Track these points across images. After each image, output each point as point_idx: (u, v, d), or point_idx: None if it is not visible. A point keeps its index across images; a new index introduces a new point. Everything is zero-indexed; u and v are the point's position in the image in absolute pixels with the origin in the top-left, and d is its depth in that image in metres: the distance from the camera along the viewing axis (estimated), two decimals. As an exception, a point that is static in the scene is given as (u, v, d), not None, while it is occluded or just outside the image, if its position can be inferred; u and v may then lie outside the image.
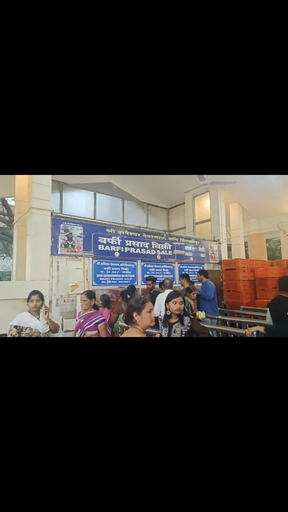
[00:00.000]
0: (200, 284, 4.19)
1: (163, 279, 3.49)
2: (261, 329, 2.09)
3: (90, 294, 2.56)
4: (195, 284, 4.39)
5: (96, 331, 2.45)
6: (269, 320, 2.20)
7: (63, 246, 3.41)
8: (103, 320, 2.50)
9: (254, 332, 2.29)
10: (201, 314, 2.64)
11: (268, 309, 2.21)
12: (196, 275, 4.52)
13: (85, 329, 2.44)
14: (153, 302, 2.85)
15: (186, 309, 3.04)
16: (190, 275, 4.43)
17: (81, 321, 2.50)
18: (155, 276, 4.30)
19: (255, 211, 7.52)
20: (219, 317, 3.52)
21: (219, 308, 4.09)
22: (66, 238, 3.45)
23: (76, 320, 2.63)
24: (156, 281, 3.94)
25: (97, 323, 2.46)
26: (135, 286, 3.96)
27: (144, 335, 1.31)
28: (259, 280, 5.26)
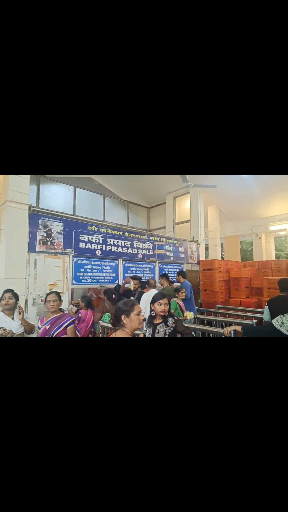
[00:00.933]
0: (178, 284, 4.30)
1: (147, 279, 3.51)
2: (238, 328, 2.21)
3: (59, 295, 2.38)
4: (174, 284, 4.49)
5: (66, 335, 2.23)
6: (267, 318, 2.36)
7: (41, 242, 3.25)
8: (73, 322, 2.36)
9: (232, 331, 2.41)
10: (189, 315, 2.70)
11: (266, 306, 2.37)
12: (175, 275, 4.62)
13: (54, 335, 2.19)
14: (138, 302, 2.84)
15: (174, 310, 3.10)
16: (170, 275, 4.52)
17: (47, 327, 2.22)
18: (139, 275, 4.31)
19: (231, 214, 7.88)
20: (197, 315, 3.65)
21: (196, 307, 4.23)
22: (45, 235, 3.29)
23: (39, 328, 2.29)
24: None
25: (67, 326, 2.26)
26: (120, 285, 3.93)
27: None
28: (233, 280, 5.54)
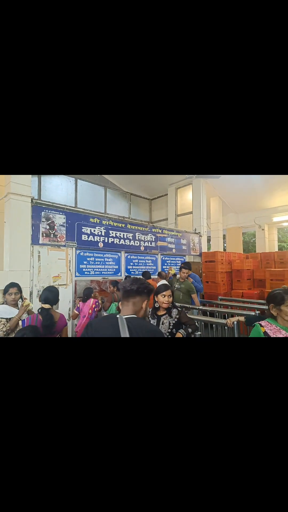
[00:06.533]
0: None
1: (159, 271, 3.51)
2: (242, 318, 2.24)
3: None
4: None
5: None
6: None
7: (44, 235, 3.25)
8: None
9: (235, 322, 2.44)
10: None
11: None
12: (178, 267, 4.63)
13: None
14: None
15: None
16: (173, 267, 4.53)
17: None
18: (143, 268, 4.33)
19: (234, 205, 7.81)
20: (201, 307, 3.68)
21: (199, 299, 4.26)
22: (47, 227, 3.29)
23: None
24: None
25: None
26: (119, 276, 3.95)
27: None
28: (235, 272, 5.55)
